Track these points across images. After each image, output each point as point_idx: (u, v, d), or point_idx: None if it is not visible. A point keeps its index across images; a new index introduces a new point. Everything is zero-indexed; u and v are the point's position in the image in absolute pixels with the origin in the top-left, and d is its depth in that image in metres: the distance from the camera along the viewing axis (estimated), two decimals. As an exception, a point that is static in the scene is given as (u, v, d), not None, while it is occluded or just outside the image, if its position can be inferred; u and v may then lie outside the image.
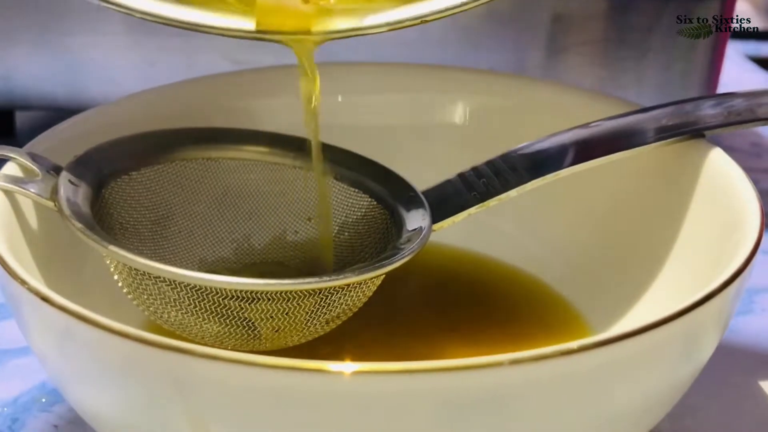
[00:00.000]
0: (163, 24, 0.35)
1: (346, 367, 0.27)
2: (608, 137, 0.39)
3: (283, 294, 0.34)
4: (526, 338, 0.39)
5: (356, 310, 0.37)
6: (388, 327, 0.40)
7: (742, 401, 0.40)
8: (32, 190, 0.34)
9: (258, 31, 0.36)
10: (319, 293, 0.35)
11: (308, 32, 0.36)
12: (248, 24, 0.36)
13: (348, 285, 0.35)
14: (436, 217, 0.38)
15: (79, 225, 0.34)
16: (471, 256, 0.44)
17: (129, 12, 0.35)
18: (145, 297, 0.35)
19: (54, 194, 0.34)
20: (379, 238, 0.38)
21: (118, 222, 0.37)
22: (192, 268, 0.37)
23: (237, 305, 0.34)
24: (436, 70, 0.46)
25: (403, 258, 0.35)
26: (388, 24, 0.36)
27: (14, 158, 0.36)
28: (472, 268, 0.43)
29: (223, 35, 0.36)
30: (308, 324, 0.35)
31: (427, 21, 0.36)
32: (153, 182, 0.38)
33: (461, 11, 0.36)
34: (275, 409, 0.28)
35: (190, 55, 0.51)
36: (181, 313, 0.34)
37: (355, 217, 0.40)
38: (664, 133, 0.38)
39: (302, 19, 0.36)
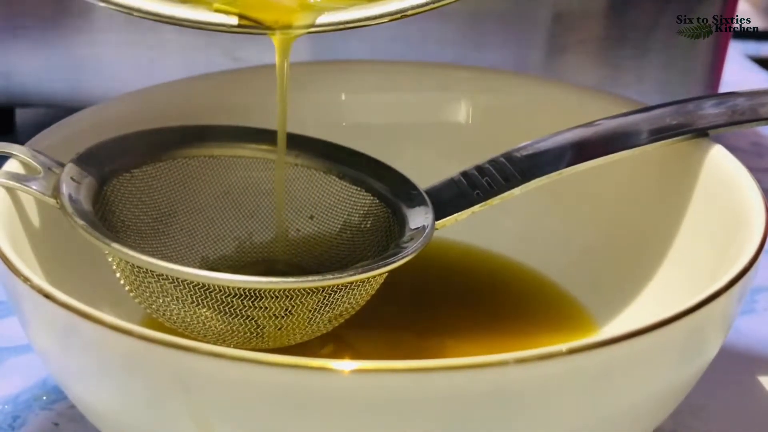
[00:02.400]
0: (142, 17, 0.35)
1: (349, 365, 0.26)
2: (611, 136, 0.39)
3: (286, 292, 0.34)
4: (532, 334, 0.39)
5: (359, 308, 0.37)
6: (390, 325, 0.40)
7: (743, 400, 0.40)
8: (34, 187, 0.34)
9: (240, 25, 0.36)
10: (322, 291, 0.34)
11: (289, 26, 0.36)
12: (231, 19, 0.36)
13: (351, 283, 0.35)
14: (439, 215, 0.38)
15: (82, 222, 0.33)
16: (475, 252, 0.44)
17: (108, 5, 0.35)
18: (148, 294, 0.35)
19: (56, 191, 0.34)
20: (381, 236, 0.38)
21: (120, 219, 0.37)
22: (194, 266, 0.37)
23: (240, 303, 0.34)
24: (438, 68, 0.46)
25: (405, 256, 0.35)
26: (368, 19, 0.36)
27: (15, 155, 0.36)
28: (477, 264, 0.43)
29: (203, 29, 0.35)
30: (311, 322, 0.35)
31: (407, 16, 0.36)
32: (155, 180, 0.38)
33: (442, 5, 0.36)
34: (278, 407, 0.27)
35: (190, 53, 0.51)
36: (184, 311, 0.34)
37: (357, 215, 0.39)
38: (667, 132, 0.38)
39: (284, 14, 0.36)
